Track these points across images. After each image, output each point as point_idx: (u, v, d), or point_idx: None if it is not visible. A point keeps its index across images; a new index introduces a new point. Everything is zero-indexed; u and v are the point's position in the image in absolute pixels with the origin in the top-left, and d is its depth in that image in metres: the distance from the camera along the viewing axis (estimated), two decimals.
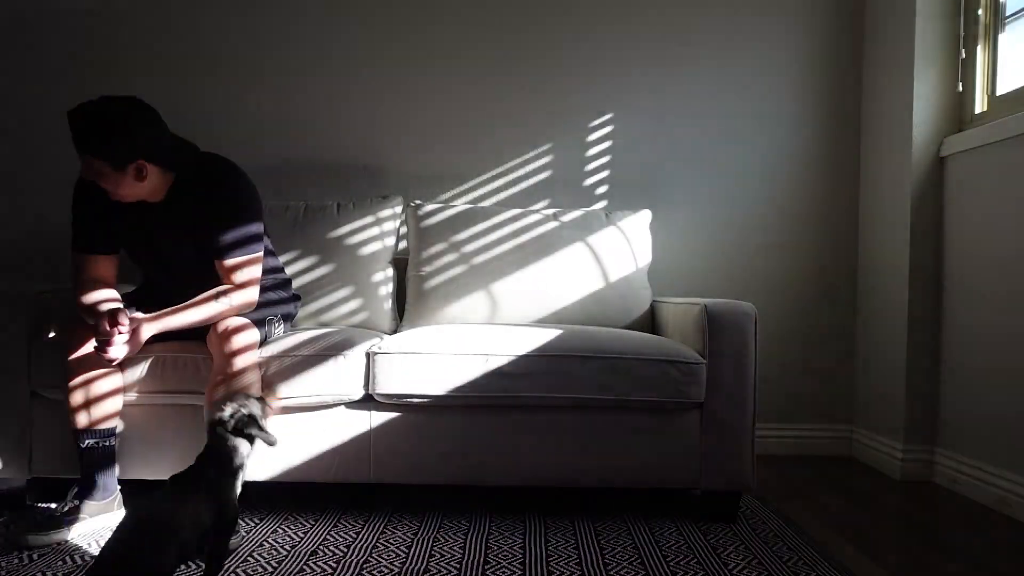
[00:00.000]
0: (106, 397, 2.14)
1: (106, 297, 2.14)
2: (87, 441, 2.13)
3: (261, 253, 2.22)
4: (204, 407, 2.10)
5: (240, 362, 2.08)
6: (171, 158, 2.12)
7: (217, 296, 2.12)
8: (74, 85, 3.09)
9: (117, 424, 2.18)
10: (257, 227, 2.20)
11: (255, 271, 2.19)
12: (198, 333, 2.22)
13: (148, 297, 2.27)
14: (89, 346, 2.09)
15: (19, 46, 3.12)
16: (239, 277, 2.16)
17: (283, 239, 2.71)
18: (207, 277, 2.18)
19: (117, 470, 2.18)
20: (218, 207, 2.15)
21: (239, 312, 2.16)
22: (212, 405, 2.07)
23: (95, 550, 1.94)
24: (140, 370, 2.20)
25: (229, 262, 2.15)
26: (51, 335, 2.32)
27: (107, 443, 2.15)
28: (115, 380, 2.16)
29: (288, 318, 2.42)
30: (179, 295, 2.16)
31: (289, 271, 2.66)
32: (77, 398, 2.11)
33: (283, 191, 3.06)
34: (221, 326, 2.10)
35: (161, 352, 2.22)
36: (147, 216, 2.18)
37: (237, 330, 2.09)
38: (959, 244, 2.69)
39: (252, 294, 2.18)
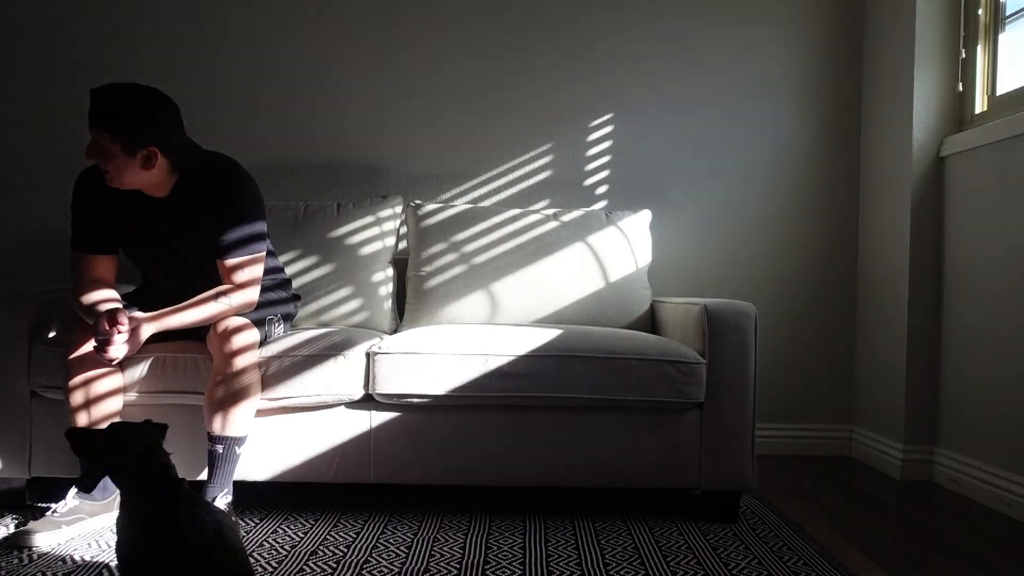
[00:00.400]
0: (106, 397, 2.14)
1: (105, 297, 2.14)
2: None
3: (263, 253, 2.21)
4: (204, 407, 2.10)
5: (240, 362, 2.08)
6: (180, 155, 2.12)
7: (217, 296, 2.12)
8: (74, 87, 3.09)
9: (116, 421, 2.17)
10: (260, 226, 2.19)
11: (256, 271, 2.18)
12: (198, 333, 2.22)
13: (148, 297, 2.27)
14: (89, 346, 2.09)
15: (18, 49, 3.12)
16: (239, 277, 2.15)
17: (283, 239, 2.71)
18: (207, 276, 2.18)
19: None
20: (221, 206, 2.14)
21: (239, 312, 2.15)
22: (212, 405, 2.08)
23: (95, 550, 1.94)
24: (140, 370, 2.20)
25: (230, 262, 2.14)
26: (51, 335, 2.32)
27: None
28: (115, 380, 2.16)
29: (288, 318, 2.42)
30: (178, 294, 2.16)
31: (289, 271, 2.66)
32: (77, 398, 2.11)
33: (283, 191, 3.06)
34: (221, 326, 2.10)
35: (161, 352, 2.22)
36: (148, 213, 2.18)
37: (237, 330, 2.09)
38: (959, 244, 2.69)
39: (252, 294, 2.17)
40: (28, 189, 3.12)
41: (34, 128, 3.12)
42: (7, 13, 3.11)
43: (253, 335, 2.13)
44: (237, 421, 2.08)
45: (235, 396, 2.07)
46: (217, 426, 2.07)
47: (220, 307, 2.11)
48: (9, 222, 3.12)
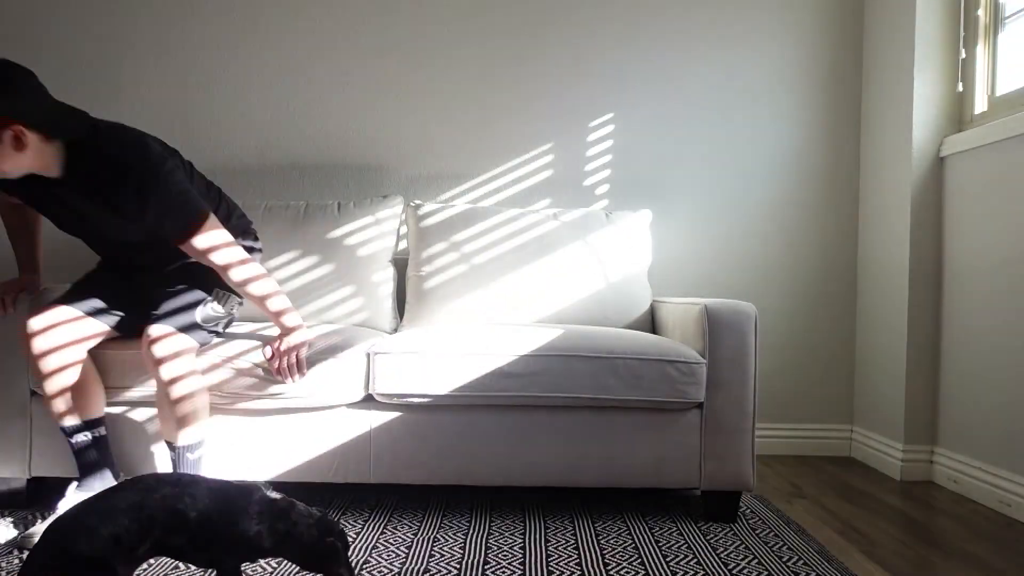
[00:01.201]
0: (86, 387, 2.11)
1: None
2: (77, 437, 2.10)
3: (205, 209, 1.99)
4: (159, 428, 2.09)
5: (166, 372, 1.98)
6: (56, 125, 1.86)
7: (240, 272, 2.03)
8: (75, 89, 3.09)
9: (103, 412, 2.14)
10: (177, 186, 1.95)
11: (216, 235, 1.99)
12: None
13: (111, 268, 2.22)
14: (51, 335, 2.03)
15: (21, 52, 3.12)
16: (202, 244, 1.98)
17: (283, 239, 2.72)
18: (151, 240, 2.07)
19: (114, 460, 2.16)
20: (137, 193, 1.91)
21: (246, 269, 2.03)
22: (166, 422, 2.03)
23: None
24: (139, 370, 2.20)
25: (186, 240, 1.97)
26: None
27: (97, 433, 2.12)
28: (86, 368, 2.10)
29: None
30: (136, 260, 2.16)
31: (289, 270, 2.67)
32: (55, 397, 2.07)
33: (284, 191, 3.07)
34: (144, 337, 1.99)
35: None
36: (57, 194, 2.00)
37: (158, 340, 1.97)
38: (959, 244, 2.69)
39: (236, 251, 2.03)
40: None
41: None
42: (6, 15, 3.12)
43: (176, 342, 1.99)
44: (186, 432, 2.05)
45: (180, 414, 2.03)
46: (169, 434, 2.07)
47: (267, 282, 2.06)
48: None
